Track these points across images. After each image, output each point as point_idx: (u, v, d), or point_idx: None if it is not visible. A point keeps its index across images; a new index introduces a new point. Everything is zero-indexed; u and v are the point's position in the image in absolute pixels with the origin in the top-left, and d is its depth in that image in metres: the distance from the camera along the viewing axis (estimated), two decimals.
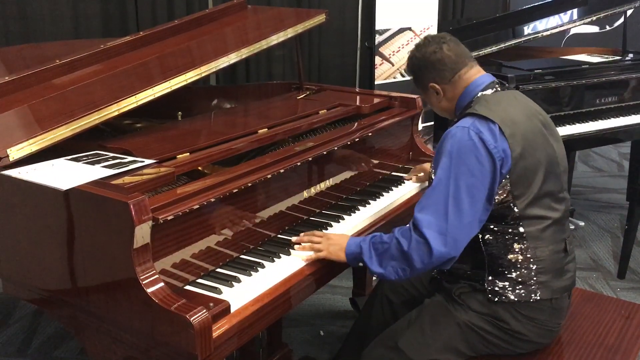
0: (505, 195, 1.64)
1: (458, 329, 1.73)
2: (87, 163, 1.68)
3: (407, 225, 1.66)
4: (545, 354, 1.78)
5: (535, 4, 3.86)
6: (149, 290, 1.42)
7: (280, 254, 1.77)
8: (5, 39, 3.47)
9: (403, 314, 1.92)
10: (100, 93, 1.94)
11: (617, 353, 1.80)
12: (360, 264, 1.74)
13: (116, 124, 2.20)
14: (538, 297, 1.69)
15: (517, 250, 1.68)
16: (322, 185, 2.08)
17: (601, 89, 3.36)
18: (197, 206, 1.58)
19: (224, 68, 2.19)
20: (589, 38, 5.72)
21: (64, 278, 1.61)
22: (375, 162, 2.37)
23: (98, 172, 1.59)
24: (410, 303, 1.96)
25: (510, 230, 1.68)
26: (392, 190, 2.27)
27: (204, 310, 1.39)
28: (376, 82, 4.16)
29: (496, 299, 1.70)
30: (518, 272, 1.69)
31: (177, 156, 1.78)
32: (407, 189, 2.31)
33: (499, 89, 1.76)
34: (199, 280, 1.62)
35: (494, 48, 3.48)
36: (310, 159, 1.96)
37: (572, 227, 3.84)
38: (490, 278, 1.71)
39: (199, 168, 1.82)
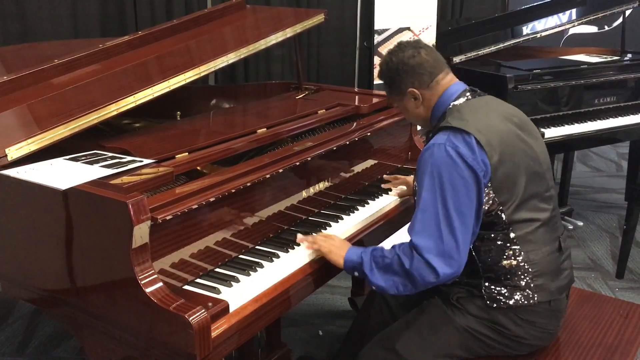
0: (490, 203, 1.63)
1: (457, 333, 1.72)
2: (85, 163, 1.68)
3: (406, 243, 1.65)
4: (544, 354, 1.78)
5: (534, 4, 3.87)
6: (148, 290, 1.42)
7: (279, 254, 1.77)
8: (4, 38, 3.46)
9: (401, 314, 1.92)
10: (99, 93, 1.93)
11: (615, 353, 1.80)
12: (356, 274, 1.73)
13: (115, 123, 2.20)
14: (536, 301, 1.68)
15: (510, 256, 1.67)
16: (321, 185, 2.08)
17: (600, 89, 3.37)
18: (196, 206, 1.57)
19: (223, 68, 2.19)
20: (587, 38, 5.72)
21: (62, 278, 1.60)
22: (374, 162, 2.37)
23: (97, 171, 1.59)
24: (408, 304, 1.96)
25: (500, 237, 1.67)
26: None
27: (203, 310, 1.39)
28: (375, 82, 4.16)
29: (494, 305, 1.69)
30: (514, 278, 1.68)
31: (176, 156, 1.78)
32: None
33: (470, 97, 1.74)
34: (198, 280, 1.62)
35: (493, 48, 3.49)
36: (309, 158, 1.96)
37: (570, 227, 3.85)
38: (486, 284, 1.70)
39: (198, 168, 1.82)
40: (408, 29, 4.23)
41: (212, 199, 1.62)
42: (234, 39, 2.44)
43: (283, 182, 1.90)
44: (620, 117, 3.43)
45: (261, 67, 4.31)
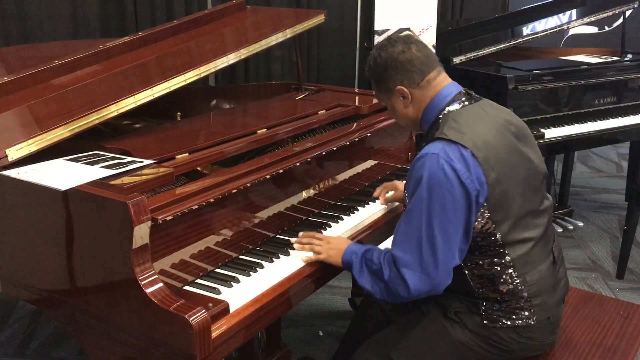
0: (485, 222, 1.57)
1: (453, 347, 1.69)
2: (86, 163, 1.67)
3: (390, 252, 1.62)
4: (544, 354, 1.78)
5: (534, 4, 3.87)
6: (148, 290, 1.42)
7: (279, 255, 1.77)
8: (4, 39, 3.47)
9: (395, 317, 1.91)
10: (99, 93, 1.94)
11: (615, 353, 1.80)
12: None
13: (115, 124, 2.20)
14: (536, 320, 1.65)
15: (506, 281, 1.62)
16: (321, 186, 2.08)
17: (600, 90, 3.37)
18: (196, 206, 1.57)
19: (223, 68, 2.19)
20: (587, 39, 5.72)
21: (62, 278, 1.60)
22: (374, 162, 2.37)
23: (97, 172, 1.59)
24: (402, 307, 1.92)
25: (496, 261, 1.61)
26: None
27: (203, 311, 1.39)
28: None
29: (493, 325, 1.66)
30: (512, 300, 1.64)
31: (176, 156, 1.78)
32: None
33: (466, 102, 1.65)
34: (198, 281, 1.62)
35: (493, 48, 3.49)
36: (309, 159, 1.96)
37: (570, 227, 3.85)
38: (485, 304, 1.66)
39: (198, 168, 1.82)
40: (408, 29, 4.23)
41: (212, 200, 1.62)
42: (234, 39, 2.44)
43: (283, 183, 1.90)
44: (620, 118, 3.43)
45: (261, 68, 4.31)
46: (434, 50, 1.71)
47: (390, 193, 2.16)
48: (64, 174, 1.58)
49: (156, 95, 1.94)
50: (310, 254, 1.76)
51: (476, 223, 1.57)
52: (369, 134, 2.25)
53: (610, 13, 3.67)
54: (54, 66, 2.04)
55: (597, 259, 3.54)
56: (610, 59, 3.69)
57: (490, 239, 1.59)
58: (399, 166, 2.52)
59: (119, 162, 1.68)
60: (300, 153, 1.95)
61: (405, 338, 1.74)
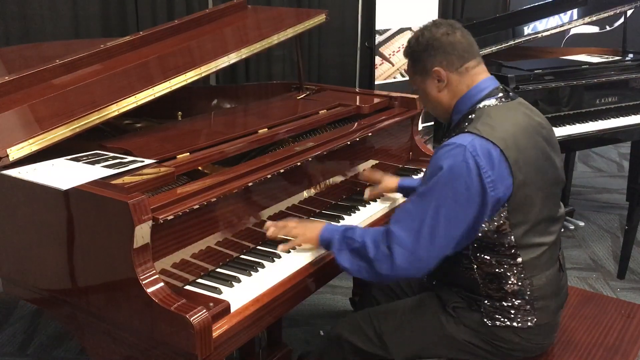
0: (501, 222, 1.56)
1: (446, 340, 1.69)
2: (87, 163, 1.68)
3: (380, 229, 1.62)
4: (545, 354, 1.78)
5: (535, 4, 3.86)
6: (149, 290, 1.42)
7: (281, 254, 1.76)
8: (6, 38, 3.47)
9: None
10: (100, 93, 1.94)
11: (617, 353, 1.80)
12: (329, 250, 1.71)
13: (116, 123, 2.20)
14: (535, 323, 1.65)
15: (514, 281, 1.62)
16: (322, 185, 2.08)
17: (601, 89, 3.37)
18: (197, 206, 1.57)
19: (224, 68, 2.19)
20: (589, 38, 5.72)
21: (63, 278, 1.61)
22: (375, 162, 2.37)
23: (98, 172, 1.59)
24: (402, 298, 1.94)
25: (506, 261, 1.61)
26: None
27: (204, 310, 1.39)
28: (376, 82, 4.16)
29: (492, 323, 1.65)
30: (516, 301, 1.64)
31: (177, 156, 1.78)
32: None
33: (503, 99, 1.64)
34: (199, 280, 1.62)
35: (494, 48, 3.49)
36: (310, 159, 1.96)
37: (571, 227, 3.85)
38: (486, 302, 1.66)
39: (199, 168, 1.82)
40: (409, 29, 4.23)
41: (213, 199, 1.62)
42: (235, 39, 2.44)
43: (284, 182, 1.90)
44: (621, 117, 3.43)
45: (262, 68, 4.32)
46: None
47: (376, 186, 2.17)
48: (65, 174, 1.58)
49: (157, 95, 1.94)
50: (288, 241, 1.76)
51: (494, 222, 1.56)
52: (369, 134, 2.25)
53: (612, 13, 3.66)
54: (55, 66, 2.04)
55: (598, 259, 3.54)
56: (611, 59, 3.68)
57: (504, 240, 1.59)
58: (400, 166, 2.52)
59: (120, 162, 1.68)
60: (301, 153, 1.95)
61: (400, 324, 1.75)
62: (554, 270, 1.68)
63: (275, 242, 1.85)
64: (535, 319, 1.64)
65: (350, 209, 2.08)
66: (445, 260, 1.59)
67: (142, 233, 1.42)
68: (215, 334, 1.43)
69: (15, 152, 1.63)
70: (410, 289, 2.00)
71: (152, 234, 1.45)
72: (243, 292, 1.57)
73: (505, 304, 1.64)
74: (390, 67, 4.23)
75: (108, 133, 2.17)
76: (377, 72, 4.16)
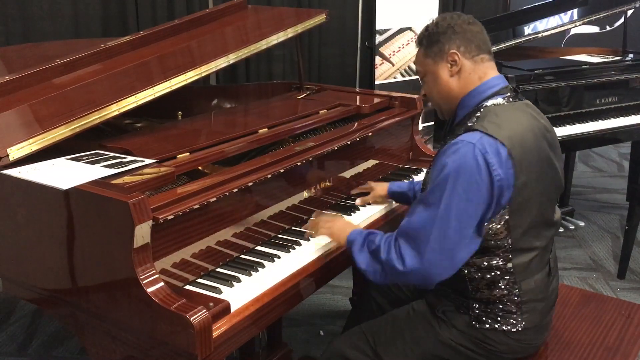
0: (501, 224, 1.55)
1: (439, 345, 1.69)
2: (87, 162, 1.68)
3: (394, 232, 1.61)
4: (545, 354, 1.78)
5: (536, 4, 3.87)
6: (149, 289, 1.42)
7: (281, 254, 1.77)
8: (6, 38, 3.47)
9: (389, 311, 1.91)
10: (100, 93, 1.94)
11: (617, 353, 1.80)
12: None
13: (116, 123, 2.20)
14: (524, 326, 1.64)
15: (503, 286, 1.61)
16: (322, 185, 2.08)
17: (601, 89, 3.37)
18: (197, 206, 1.57)
19: (224, 68, 2.19)
20: (589, 38, 5.72)
21: (64, 278, 1.61)
22: (376, 162, 2.37)
23: (98, 171, 1.59)
24: (397, 304, 1.92)
25: (498, 266, 1.60)
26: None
27: (204, 310, 1.39)
28: (376, 82, 4.16)
29: (480, 326, 1.65)
30: (503, 305, 1.63)
31: (177, 156, 1.78)
32: None
33: (511, 99, 1.62)
34: (199, 280, 1.62)
35: (494, 48, 3.48)
36: (310, 158, 1.96)
37: (571, 227, 3.85)
38: (475, 305, 1.65)
39: (199, 168, 1.82)
40: (409, 29, 4.23)
41: (213, 199, 1.62)
42: (235, 39, 2.44)
43: (284, 182, 1.90)
44: (621, 117, 3.43)
45: (262, 67, 4.31)
46: None
47: (370, 194, 2.15)
48: (65, 173, 1.58)
49: (157, 95, 1.94)
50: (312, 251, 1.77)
51: (493, 224, 1.55)
52: (370, 134, 2.25)
53: (612, 12, 3.67)
54: (55, 65, 2.04)
55: (598, 259, 3.54)
56: (611, 59, 3.69)
57: (502, 243, 1.58)
58: (400, 165, 2.52)
59: (120, 162, 1.68)
60: (302, 152, 1.95)
61: (393, 334, 1.74)
62: (543, 274, 1.67)
63: (276, 242, 1.85)
64: (523, 322, 1.64)
65: (350, 209, 2.08)
66: None
67: (142, 233, 1.42)
68: (215, 334, 1.43)
69: (15, 152, 1.63)
70: (409, 289, 2.00)
71: (152, 234, 1.45)
72: (243, 292, 1.57)
73: (493, 307, 1.64)
74: (391, 67, 4.23)
75: (108, 133, 2.17)
76: (377, 72, 4.16)
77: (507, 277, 1.61)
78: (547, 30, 3.62)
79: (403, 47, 4.24)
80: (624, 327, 1.92)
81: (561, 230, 3.80)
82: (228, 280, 1.61)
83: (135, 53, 2.24)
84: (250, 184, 1.74)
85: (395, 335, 1.74)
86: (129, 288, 1.44)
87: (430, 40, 1.66)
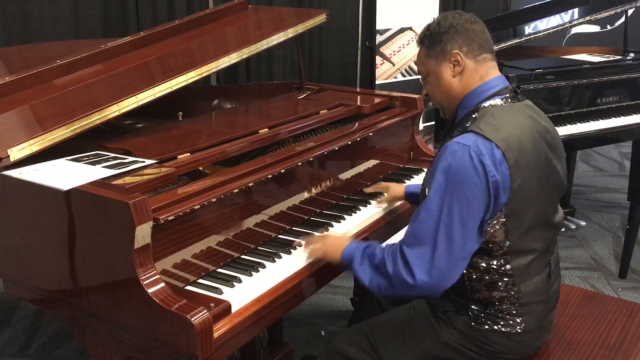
0: (498, 226, 1.54)
1: (440, 345, 1.68)
2: (88, 163, 1.68)
3: (397, 244, 1.59)
4: (546, 354, 1.78)
5: (536, 3, 3.86)
6: (150, 290, 1.42)
7: (281, 254, 1.77)
8: (6, 39, 3.47)
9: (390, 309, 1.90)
10: (100, 93, 1.94)
11: (618, 353, 1.79)
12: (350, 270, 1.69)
13: (117, 124, 2.20)
14: (523, 328, 1.64)
15: (502, 287, 1.61)
16: (323, 185, 2.08)
17: (602, 89, 3.37)
18: (198, 206, 1.58)
19: (225, 68, 2.19)
20: (589, 37, 5.71)
21: (65, 278, 1.61)
22: (376, 162, 2.37)
23: (99, 172, 1.59)
24: (398, 304, 1.90)
25: (496, 268, 1.59)
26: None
27: (205, 311, 1.39)
28: (377, 82, 4.16)
29: (480, 327, 1.64)
30: (502, 306, 1.62)
31: (178, 156, 1.78)
32: None
33: (509, 100, 1.61)
34: (200, 281, 1.62)
35: (495, 48, 3.48)
36: (310, 159, 1.96)
37: (573, 226, 3.84)
38: (473, 307, 1.65)
39: (200, 168, 1.82)
40: (410, 29, 4.23)
41: (214, 200, 1.62)
42: (235, 39, 2.44)
43: (285, 183, 1.90)
44: (622, 117, 3.43)
45: (263, 68, 4.32)
46: None
47: (386, 195, 2.15)
48: (66, 174, 1.58)
49: (158, 95, 1.94)
50: (309, 255, 1.75)
51: (491, 226, 1.54)
52: (370, 134, 2.25)
53: (612, 12, 3.66)
54: (56, 66, 2.04)
55: (599, 259, 3.54)
56: (612, 58, 3.68)
57: (500, 244, 1.57)
58: (401, 165, 2.52)
59: (121, 162, 1.68)
60: (302, 153, 1.95)
61: (393, 332, 1.74)
62: (543, 276, 1.66)
63: (277, 242, 1.85)
64: (523, 324, 1.64)
65: (351, 209, 2.08)
66: None
67: (143, 233, 1.42)
68: (216, 334, 1.43)
69: (16, 153, 1.64)
70: None
71: (153, 234, 1.45)
72: (244, 292, 1.57)
73: (492, 309, 1.64)
74: (391, 66, 4.23)
75: (109, 133, 2.17)
76: (378, 72, 4.16)
77: (506, 279, 1.61)
78: (548, 29, 3.62)
79: (403, 47, 4.24)
80: (626, 327, 1.92)
81: (562, 230, 3.80)
82: (229, 281, 1.61)
83: (136, 53, 2.24)
84: (251, 184, 1.74)
85: (396, 334, 1.74)
86: (130, 289, 1.44)
87: (433, 40, 1.65)
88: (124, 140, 1.94)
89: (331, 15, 2.65)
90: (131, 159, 1.72)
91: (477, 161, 1.47)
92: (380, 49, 4.14)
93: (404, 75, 4.29)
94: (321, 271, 1.77)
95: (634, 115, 3.47)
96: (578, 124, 3.29)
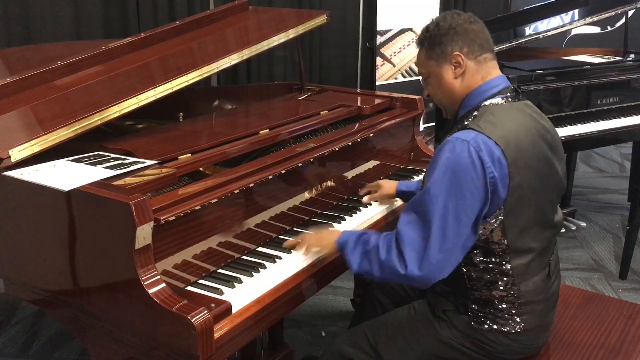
0: (496, 224, 1.55)
1: (440, 345, 1.68)
2: (88, 164, 1.68)
3: (392, 233, 1.60)
4: (546, 355, 1.78)
5: (537, 4, 3.86)
6: (151, 291, 1.42)
7: (282, 255, 1.77)
8: (7, 40, 3.47)
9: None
10: (101, 94, 1.94)
11: (618, 354, 1.79)
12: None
13: (118, 124, 2.21)
14: (523, 327, 1.64)
15: (501, 287, 1.61)
16: (324, 186, 2.08)
17: (602, 90, 3.36)
18: (199, 207, 1.58)
19: (225, 69, 2.19)
20: (590, 38, 5.71)
21: (65, 279, 1.61)
22: (377, 162, 2.37)
23: (100, 173, 1.59)
24: (400, 304, 1.92)
25: (496, 267, 1.60)
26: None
27: (206, 311, 1.40)
28: (377, 83, 4.16)
29: (480, 326, 1.65)
30: (502, 306, 1.63)
31: (179, 157, 1.78)
32: None
33: (510, 99, 1.62)
34: (201, 281, 1.62)
35: (495, 49, 3.48)
36: (311, 159, 1.96)
37: (573, 227, 3.84)
38: (473, 306, 1.65)
39: (201, 169, 1.82)
40: (410, 29, 4.23)
41: (214, 200, 1.62)
42: (236, 40, 2.44)
43: (285, 183, 1.90)
44: (623, 118, 3.42)
45: (263, 68, 4.32)
46: None
47: (378, 192, 2.14)
48: (67, 175, 1.58)
49: (158, 96, 1.95)
50: (304, 249, 1.76)
51: (487, 225, 1.55)
52: (371, 134, 2.25)
53: (613, 13, 3.66)
54: (57, 67, 2.05)
55: (599, 259, 3.54)
56: (612, 59, 3.68)
57: (498, 243, 1.58)
58: (401, 166, 2.52)
59: (122, 163, 1.68)
60: (303, 153, 1.95)
61: (393, 333, 1.74)
62: (542, 276, 1.66)
63: (277, 243, 1.85)
64: (522, 324, 1.64)
65: (352, 210, 2.08)
66: None
67: (144, 234, 1.42)
68: (216, 335, 1.43)
69: (17, 154, 1.64)
70: (412, 289, 2.00)
71: (154, 235, 1.45)
72: (244, 293, 1.57)
73: (492, 308, 1.64)
74: (392, 67, 4.23)
75: (110, 134, 2.18)
76: (379, 73, 4.17)
77: (506, 278, 1.61)
78: (549, 30, 3.61)
79: (404, 48, 4.24)
80: (626, 328, 1.92)
81: (563, 230, 3.80)
82: (229, 281, 1.61)
83: (137, 54, 2.24)
84: (251, 185, 1.74)
85: (396, 334, 1.74)
86: (131, 289, 1.45)
87: (432, 42, 1.65)
88: (125, 141, 1.94)
89: (332, 16, 2.65)
90: (132, 159, 1.72)
91: (476, 157, 1.48)
92: (381, 50, 4.14)
93: (404, 76, 4.29)
94: (322, 272, 1.77)
95: (635, 116, 3.47)
96: (578, 124, 3.29)
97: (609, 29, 5.76)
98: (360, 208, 2.11)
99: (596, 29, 5.76)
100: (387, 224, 2.09)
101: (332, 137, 2.13)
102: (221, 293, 1.56)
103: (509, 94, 1.63)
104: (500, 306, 1.63)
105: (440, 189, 1.50)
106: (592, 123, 3.33)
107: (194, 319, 1.36)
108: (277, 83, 3.00)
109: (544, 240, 1.65)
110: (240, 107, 2.65)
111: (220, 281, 1.62)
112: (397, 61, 4.23)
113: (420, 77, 1.78)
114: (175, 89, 1.99)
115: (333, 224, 1.98)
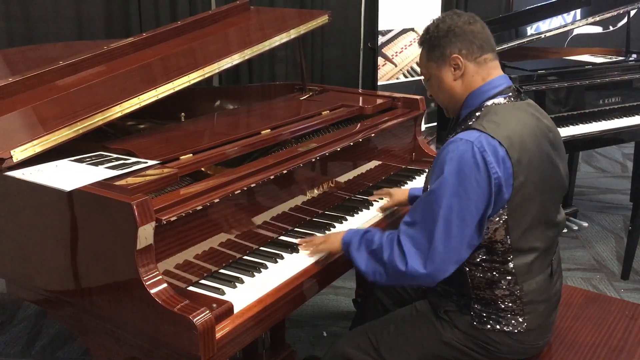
0: (500, 223, 1.54)
1: (443, 346, 1.68)
2: (90, 164, 1.68)
3: (395, 231, 1.60)
4: (549, 355, 1.78)
5: (539, 4, 3.86)
6: (152, 291, 1.42)
7: (284, 255, 1.77)
8: (9, 40, 3.48)
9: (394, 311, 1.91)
10: (103, 94, 1.94)
11: (620, 354, 1.79)
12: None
13: (119, 125, 2.21)
14: (525, 328, 1.64)
15: (504, 286, 1.61)
16: (325, 186, 2.08)
17: (604, 90, 3.36)
18: (200, 207, 1.58)
19: (227, 69, 2.19)
20: (592, 38, 5.71)
21: (67, 279, 1.61)
22: (378, 163, 2.37)
23: (101, 173, 1.59)
24: (402, 305, 1.91)
25: (499, 266, 1.60)
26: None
27: (207, 311, 1.39)
28: (379, 83, 4.16)
29: (482, 327, 1.64)
30: (504, 306, 1.62)
31: (181, 157, 1.78)
32: None
33: (512, 99, 1.62)
34: (202, 281, 1.62)
35: (497, 49, 3.48)
36: (313, 159, 1.96)
37: (575, 227, 3.84)
38: (476, 306, 1.65)
39: (202, 169, 1.82)
40: (412, 29, 4.23)
41: (216, 200, 1.62)
42: (238, 40, 2.45)
43: (287, 183, 1.90)
44: (625, 118, 3.42)
45: (265, 69, 4.32)
46: None
47: (385, 200, 2.14)
48: (69, 175, 1.58)
49: (160, 96, 1.95)
50: (311, 251, 1.77)
51: (491, 225, 1.55)
52: (372, 135, 2.25)
53: (615, 13, 3.66)
54: (59, 67, 2.05)
55: (601, 260, 3.54)
56: (614, 59, 3.68)
57: (501, 242, 1.57)
58: (403, 167, 2.52)
59: (123, 163, 1.68)
60: (304, 154, 1.95)
61: (395, 334, 1.74)
62: (545, 275, 1.66)
63: (279, 243, 1.85)
64: (525, 324, 1.64)
65: (353, 210, 2.08)
66: None
67: (146, 234, 1.42)
68: (218, 335, 1.43)
69: (19, 154, 1.64)
70: (413, 289, 1.99)
71: (156, 235, 1.45)
72: (246, 293, 1.57)
73: (494, 308, 1.64)
74: (393, 67, 4.23)
75: (111, 134, 2.18)
76: (380, 73, 4.17)
77: (509, 278, 1.61)
78: (550, 30, 3.61)
79: (406, 48, 4.24)
80: (628, 328, 1.91)
81: (565, 230, 3.80)
82: (231, 282, 1.61)
83: (138, 54, 2.24)
84: (253, 185, 1.74)
85: (398, 335, 1.74)
86: (132, 289, 1.45)
87: (432, 44, 1.66)
88: (127, 141, 1.94)
89: (333, 16, 2.65)
90: (134, 159, 1.72)
91: (480, 157, 1.48)
92: (383, 50, 4.14)
93: (406, 76, 4.29)
94: (323, 272, 1.77)
95: (637, 116, 3.47)
96: (580, 124, 3.29)
97: (611, 28, 5.75)
98: (362, 208, 2.11)
99: (598, 29, 5.76)
100: (389, 223, 2.09)
101: (334, 137, 2.13)
102: (223, 293, 1.56)
103: (511, 94, 1.64)
104: (502, 306, 1.63)
105: (444, 189, 1.50)
106: (594, 123, 3.33)
107: (195, 319, 1.36)
108: (279, 83, 3.00)
109: (547, 240, 1.64)
110: (242, 107, 2.65)
111: (221, 281, 1.62)
112: (399, 61, 4.23)
113: (421, 77, 1.78)
114: (176, 89, 1.99)
115: (335, 224, 1.98)
